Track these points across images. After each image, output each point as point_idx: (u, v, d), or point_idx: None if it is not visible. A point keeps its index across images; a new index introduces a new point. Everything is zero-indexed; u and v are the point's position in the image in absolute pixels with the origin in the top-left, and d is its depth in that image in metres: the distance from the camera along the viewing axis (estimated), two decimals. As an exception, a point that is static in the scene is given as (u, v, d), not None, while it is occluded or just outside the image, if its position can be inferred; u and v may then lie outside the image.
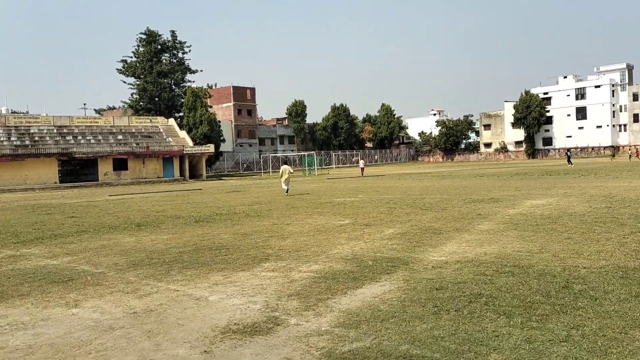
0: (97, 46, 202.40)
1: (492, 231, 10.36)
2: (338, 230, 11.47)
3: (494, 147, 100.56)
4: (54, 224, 16.43)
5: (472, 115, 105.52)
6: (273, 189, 31.35)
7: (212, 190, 33.28)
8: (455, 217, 12.91)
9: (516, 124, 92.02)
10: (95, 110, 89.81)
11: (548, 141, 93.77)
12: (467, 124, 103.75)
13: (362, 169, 50.69)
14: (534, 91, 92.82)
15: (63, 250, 10.84)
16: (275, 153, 79.27)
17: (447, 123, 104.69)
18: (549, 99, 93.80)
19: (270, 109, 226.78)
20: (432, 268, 7.17)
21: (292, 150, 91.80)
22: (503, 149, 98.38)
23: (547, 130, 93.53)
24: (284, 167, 26.12)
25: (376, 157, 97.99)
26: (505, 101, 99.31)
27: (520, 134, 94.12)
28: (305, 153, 67.93)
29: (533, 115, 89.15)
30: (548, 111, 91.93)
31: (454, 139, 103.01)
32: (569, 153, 53.12)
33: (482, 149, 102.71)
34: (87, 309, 5.92)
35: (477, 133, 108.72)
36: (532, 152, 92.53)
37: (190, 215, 17.10)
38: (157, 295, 6.37)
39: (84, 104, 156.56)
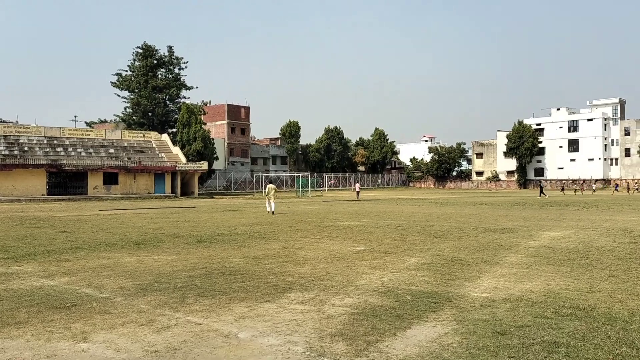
0: (89, 58, 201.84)
1: (524, 265, 9.69)
2: (356, 258, 10.73)
3: (485, 175, 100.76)
4: (45, 238, 15.50)
5: (464, 143, 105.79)
6: (282, 210, 30.52)
7: (207, 209, 32.38)
8: (476, 248, 12.24)
9: (508, 153, 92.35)
10: (86, 122, 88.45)
11: (540, 172, 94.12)
12: (459, 152, 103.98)
13: (358, 192, 50.10)
14: (527, 122, 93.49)
15: (59, 269, 9.97)
16: (268, 173, 78.51)
17: (439, 150, 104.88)
18: (542, 130, 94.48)
19: (264, 128, 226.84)
20: (481, 307, 6.44)
21: (285, 171, 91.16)
22: (495, 177, 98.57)
23: (539, 161, 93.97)
24: (270, 186, 27.32)
25: (368, 181, 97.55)
26: (498, 130, 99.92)
27: (512, 163, 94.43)
28: (300, 174, 67.30)
29: (525, 146, 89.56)
30: (540, 142, 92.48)
31: (446, 165, 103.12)
32: (541, 184, 52.24)
33: (474, 177, 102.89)
34: (98, 344, 5.09)
35: (469, 161, 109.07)
36: (523, 182, 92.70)
37: (190, 234, 16.26)
38: (178, 329, 5.56)
39: (75, 116, 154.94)
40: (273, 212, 25.94)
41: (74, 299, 7.12)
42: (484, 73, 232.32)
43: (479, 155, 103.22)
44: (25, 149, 48.20)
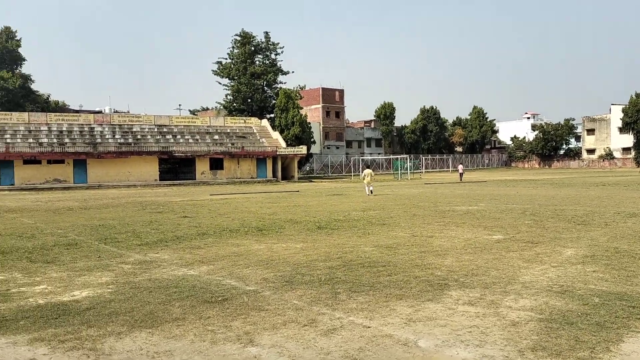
0: (191, 48, 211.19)
1: None
2: (500, 248, 9.76)
3: (597, 153, 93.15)
4: (169, 224, 15.92)
5: (573, 119, 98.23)
6: (375, 193, 29.87)
7: (311, 193, 32.35)
8: (634, 237, 10.77)
9: (624, 128, 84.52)
10: (189, 110, 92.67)
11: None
12: (567, 128, 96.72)
13: (461, 174, 48.03)
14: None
15: (194, 256, 9.95)
16: (363, 155, 77.83)
17: (544, 127, 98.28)
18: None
19: (358, 111, 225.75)
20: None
21: (379, 154, 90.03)
22: (608, 155, 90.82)
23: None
24: (367, 171, 29.01)
25: (467, 162, 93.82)
26: (612, 104, 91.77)
27: (629, 139, 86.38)
28: (397, 156, 65.97)
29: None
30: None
31: (552, 144, 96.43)
32: None
33: (584, 155, 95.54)
34: (268, 349, 4.69)
35: (578, 138, 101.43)
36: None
37: (307, 220, 15.98)
38: (346, 333, 5.04)
39: (179, 105, 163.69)
40: (372, 192, 27.82)
41: (222, 291, 6.88)
42: (592, 43, 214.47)
43: (590, 131, 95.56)
44: (139, 137, 51.13)
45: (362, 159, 66.16)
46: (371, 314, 5.62)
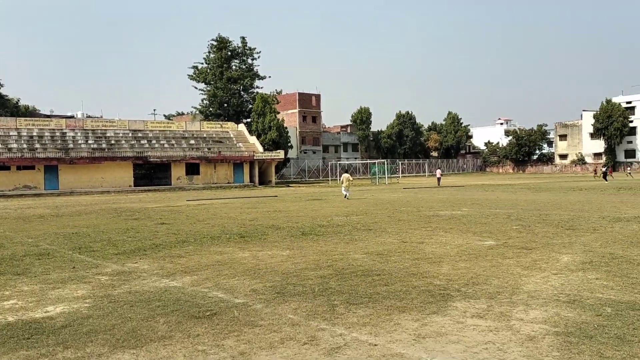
0: (164, 53, 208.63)
1: None
2: (495, 255, 9.48)
3: (570, 158, 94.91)
4: (146, 231, 15.29)
5: (545, 125, 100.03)
6: (355, 198, 29.59)
7: (290, 198, 31.88)
8: (626, 241, 10.64)
9: (595, 134, 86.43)
10: (164, 115, 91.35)
11: (631, 153, 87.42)
12: (540, 134, 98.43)
13: (439, 178, 48.18)
14: (615, 100, 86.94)
15: (175, 266, 9.42)
16: (340, 160, 77.68)
17: (518, 133, 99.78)
18: (633, 108, 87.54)
19: (334, 116, 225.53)
20: None
21: (356, 158, 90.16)
22: (580, 160, 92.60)
23: (630, 142, 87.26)
24: (345, 175, 30.15)
25: (442, 166, 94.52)
26: (584, 110, 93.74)
27: (599, 145, 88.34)
28: (375, 161, 65.94)
29: (615, 126, 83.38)
30: (632, 121, 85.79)
31: (526, 149, 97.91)
32: (604, 169, 49.38)
33: (557, 160, 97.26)
34: (268, 371, 4.24)
35: (550, 144, 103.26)
36: (612, 165, 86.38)
37: (289, 225, 15.54)
38: (352, 352, 4.63)
39: (154, 110, 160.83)
40: (346, 197, 28.61)
41: (209, 305, 6.40)
42: (564, 49, 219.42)
43: (563, 137, 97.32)
44: (112, 142, 49.91)
45: (340, 164, 65.97)
46: (375, 329, 5.23)
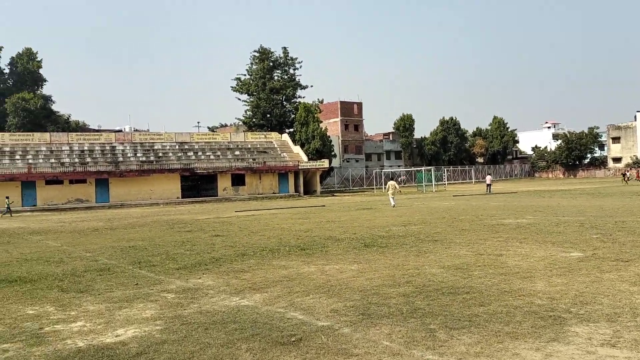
0: (205, 66, 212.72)
1: None
2: (588, 268, 8.59)
3: (624, 162, 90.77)
4: (202, 243, 14.99)
5: (597, 127, 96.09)
6: (405, 206, 28.72)
7: (338, 207, 31.26)
8: None
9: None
10: (208, 127, 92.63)
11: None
12: (592, 137, 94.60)
13: (489, 185, 46.55)
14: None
15: (241, 282, 8.95)
16: (383, 168, 76.68)
17: (568, 136, 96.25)
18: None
19: (376, 123, 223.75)
20: None
21: (399, 166, 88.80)
22: (635, 164, 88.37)
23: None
24: (391, 183, 30.38)
25: (489, 172, 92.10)
26: (638, 111, 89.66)
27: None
28: (419, 168, 64.62)
29: (674, 126, 79.22)
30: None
31: (577, 153, 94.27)
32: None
33: (610, 164, 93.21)
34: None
35: (602, 147, 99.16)
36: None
37: (348, 237, 14.93)
38: (476, 390, 3.95)
39: (198, 122, 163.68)
40: (393, 206, 28.38)
41: (291, 328, 5.84)
42: (612, 50, 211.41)
43: (616, 140, 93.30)
44: (160, 154, 50.65)
45: (384, 172, 65.01)
46: (491, 360, 4.53)
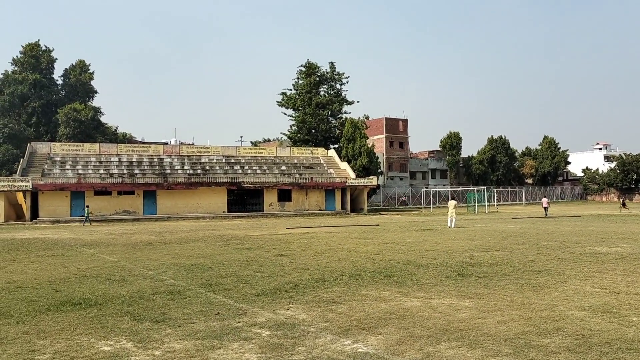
0: (247, 81, 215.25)
1: None
2: None
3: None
4: (269, 264, 13.74)
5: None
6: (465, 227, 26.92)
7: (394, 228, 29.65)
8: None
9: None
10: (251, 142, 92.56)
11: None
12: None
13: (546, 207, 44.05)
14: None
15: (339, 316, 7.59)
16: (428, 187, 74.46)
17: (624, 158, 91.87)
18: None
19: (421, 141, 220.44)
20: None
21: (445, 185, 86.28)
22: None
23: None
24: (452, 202, 29.12)
25: (540, 194, 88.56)
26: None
27: None
28: (472, 188, 62.31)
29: None
30: None
31: (634, 176, 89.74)
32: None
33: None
34: None
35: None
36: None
37: (429, 262, 13.43)
38: None
39: (241, 137, 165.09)
40: (451, 227, 27.64)
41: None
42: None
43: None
44: (207, 167, 50.24)
45: (434, 190, 62.95)
46: None
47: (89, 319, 7.78)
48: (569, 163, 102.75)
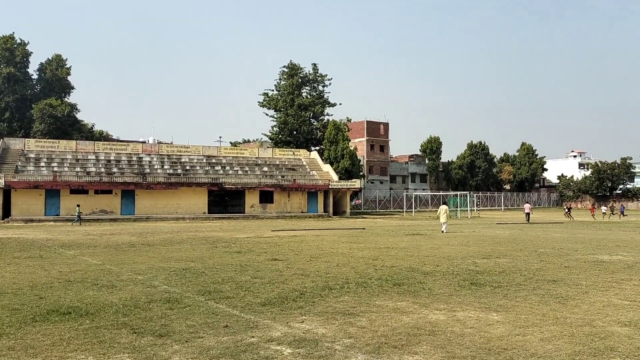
0: (229, 82, 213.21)
1: None
2: None
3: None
4: (266, 270, 12.99)
5: (630, 158, 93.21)
6: (455, 232, 26.54)
7: (382, 231, 29.10)
8: None
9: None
10: (230, 142, 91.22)
11: None
12: (624, 168, 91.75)
13: (528, 213, 44.09)
14: None
15: (361, 331, 6.93)
16: (408, 191, 74.39)
17: (599, 166, 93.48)
18: None
19: (401, 145, 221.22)
20: None
21: (424, 189, 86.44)
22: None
23: None
24: (443, 207, 28.61)
25: (517, 200, 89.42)
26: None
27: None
28: (456, 193, 62.39)
29: None
30: None
31: (609, 184, 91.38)
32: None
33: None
34: None
35: (632, 178, 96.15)
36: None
37: (434, 269, 12.86)
38: None
39: (220, 137, 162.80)
40: (443, 232, 27.04)
41: None
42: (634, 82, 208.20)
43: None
44: (187, 167, 49.05)
45: (415, 194, 62.82)
46: None
47: (82, 332, 6.94)
48: (546, 170, 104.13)
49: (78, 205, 38.40)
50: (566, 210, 49.11)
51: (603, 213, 51.54)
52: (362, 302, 8.90)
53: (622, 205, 61.69)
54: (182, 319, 7.71)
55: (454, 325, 7.26)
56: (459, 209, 54.05)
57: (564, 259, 15.39)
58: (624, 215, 49.42)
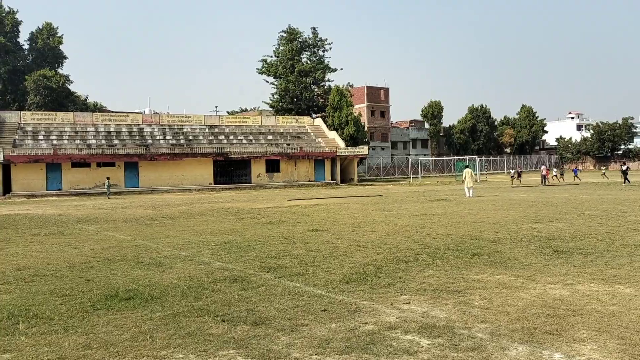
0: (224, 50, 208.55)
1: None
2: None
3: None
4: (314, 241, 11.96)
5: (632, 118, 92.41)
6: (489, 199, 25.62)
7: (399, 197, 28.14)
8: None
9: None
10: (227, 112, 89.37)
11: None
12: (626, 128, 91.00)
13: (544, 176, 43.24)
14: None
15: (493, 315, 5.92)
16: (409, 157, 73.37)
17: (600, 127, 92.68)
18: None
19: (402, 110, 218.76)
20: None
21: (425, 155, 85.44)
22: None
23: None
24: (467, 171, 27.75)
25: (519, 163, 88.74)
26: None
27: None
28: (465, 157, 61.42)
29: None
30: None
31: (610, 144, 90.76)
32: (625, 168, 38.89)
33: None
34: None
35: (631, 138, 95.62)
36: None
37: (497, 237, 11.88)
38: None
39: (216, 107, 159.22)
40: (469, 196, 26.16)
41: None
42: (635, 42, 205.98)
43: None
44: (190, 137, 47.59)
45: (420, 160, 61.84)
46: None
47: (160, 322, 5.86)
48: (547, 132, 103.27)
49: (108, 178, 36.78)
50: (514, 173, 45.30)
51: (554, 175, 46.88)
52: (454, 277, 7.88)
53: (576, 167, 57.97)
54: (265, 302, 6.66)
55: (589, 302, 6.26)
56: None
57: (623, 220, 14.48)
58: (577, 178, 45.58)
